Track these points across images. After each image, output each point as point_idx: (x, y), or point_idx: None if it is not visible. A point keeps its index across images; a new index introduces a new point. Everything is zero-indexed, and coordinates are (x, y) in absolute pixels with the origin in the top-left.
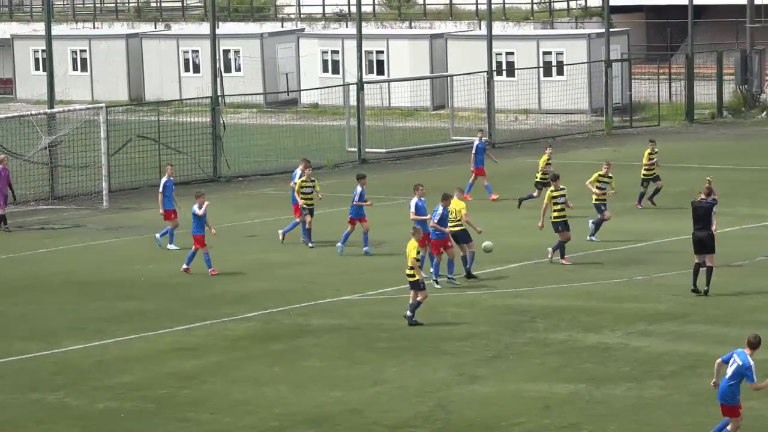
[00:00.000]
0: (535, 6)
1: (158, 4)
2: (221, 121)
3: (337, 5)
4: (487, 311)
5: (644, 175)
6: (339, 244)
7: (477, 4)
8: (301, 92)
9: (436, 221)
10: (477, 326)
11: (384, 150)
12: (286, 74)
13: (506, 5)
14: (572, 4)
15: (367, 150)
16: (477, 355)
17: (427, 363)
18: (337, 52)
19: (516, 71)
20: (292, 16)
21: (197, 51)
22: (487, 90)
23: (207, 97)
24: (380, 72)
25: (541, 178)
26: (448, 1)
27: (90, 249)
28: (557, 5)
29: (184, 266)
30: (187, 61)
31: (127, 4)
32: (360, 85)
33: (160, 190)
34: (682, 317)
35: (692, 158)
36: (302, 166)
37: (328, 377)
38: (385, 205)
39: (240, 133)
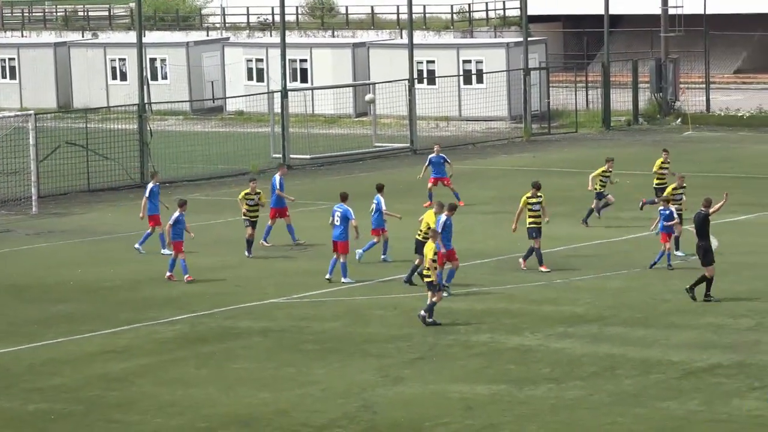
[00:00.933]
0: (455, 16)
1: (85, 14)
2: (148, 128)
3: (260, 14)
4: (411, 314)
5: (656, 184)
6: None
7: (398, 13)
8: (227, 100)
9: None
10: (401, 329)
11: (308, 156)
12: (212, 82)
13: (427, 15)
14: (491, 14)
15: (291, 156)
16: (401, 357)
17: (352, 365)
18: (261, 60)
19: (437, 79)
20: (217, 25)
21: (124, 59)
22: (409, 97)
23: (134, 105)
24: (304, 80)
25: (657, 184)
26: (369, 11)
27: (19, 254)
28: (476, 15)
29: (168, 273)
30: (114, 69)
31: (54, 14)
32: (284, 92)
33: (146, 195)
34: (601, 320)
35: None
36: (281, 171)
37: (256, 379)
38: (309, 210)
39: (167, 139)
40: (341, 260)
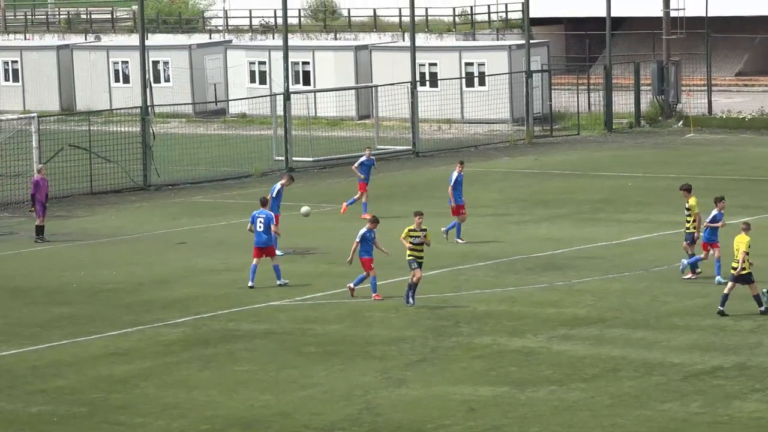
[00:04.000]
0: (457, 18)
1: (88, 16)
2: (151, 131)
3: (263, 17)
4: (413, 316)
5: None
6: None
7: (400, 16)
8: (229, 102)
9: (358, 241)
10: (403, 331)
11: (310, 159)
12: (214, 85)
13: (429, 17)
14: (493, 17)
15: (294, 159)
16: (403, 359)
17: (354, 367)
18: (264, 63)
19: (439, 81)
20: (220, 28)
21: (127, 62)
22: (411, 100)
23: (137, 107)
24: (306, 82)
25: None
26: (372, 14)
27: (23, 256)
28: (479, 17)
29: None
30: (117, 71)
31: (57, 16)
32: (287, 95)
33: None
34: (602, 322)
35: (611, 167)
36: (285, 179)
37: (258, 381)
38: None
39: (169, 142)
40: (273, 263)
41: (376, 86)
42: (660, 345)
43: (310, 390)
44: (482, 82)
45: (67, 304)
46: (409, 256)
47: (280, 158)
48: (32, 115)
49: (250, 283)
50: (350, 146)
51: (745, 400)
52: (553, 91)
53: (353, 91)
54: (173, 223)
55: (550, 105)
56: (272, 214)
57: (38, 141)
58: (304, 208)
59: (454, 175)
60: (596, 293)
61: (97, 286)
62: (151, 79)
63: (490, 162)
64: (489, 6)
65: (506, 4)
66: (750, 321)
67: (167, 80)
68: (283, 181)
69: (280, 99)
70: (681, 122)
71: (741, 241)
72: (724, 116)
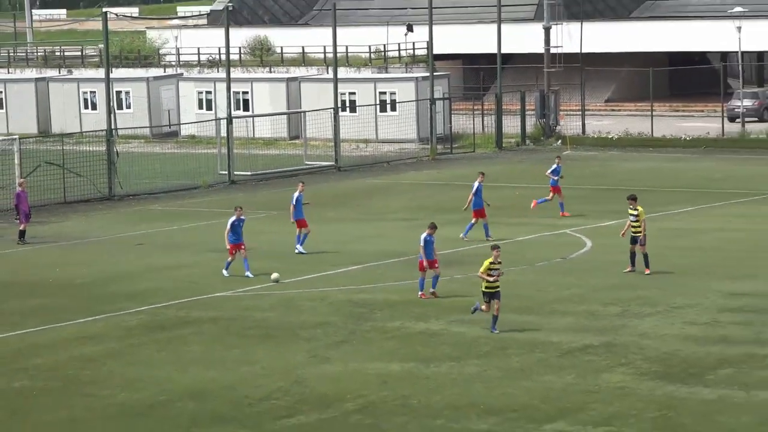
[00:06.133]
0: (372, 54)
1: (62, 54)
2: (115, 150)
3: (210, 54)
4: (336, 304)
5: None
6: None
7: (325, 52)
8: (181, 126)
9: (422, 245)
10: (327, 317)
11: (249, 173)
12: (168, 111)
13: (349, 54)
14: (402, 53)
15: (235, 173)
16: (327, 341)
17: (287, 347)
18: (210, 92)
19: (357, 108)
20: (173, 63)
21: (94, 92)
22: (334, 123)
23: (103, 130)
24: (246, 109)
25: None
26: (301, 51)
27: (6, 256)
28: (390, 54)
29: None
30: (86, 100)
31: (35, 54)
32: (229, 119)
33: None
34: None
35: (502, 179)
36: (237, 213)
37: (206, 360)
38: (249, 219)
39: (130, 159)
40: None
41: (305, 111)
42: (542, 327)
43: (249, 367)
44: (393, 108)
45: (44, 296)
46: (486, 288)
47: (223, 173)
48: (14, 137)
49: (226, 273)
50: (283, 162)
51: (611, 372)
52: (452, 115)
53: (285, 115)
54: (133, 228)
55: (450, 127)
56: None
57: (19, 159)
58: (274, 275)
59: (476, 184)
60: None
61: (70, 280)
62: (115, 106)
63: (399, 175)
64: (399, 44)
65: (413, 43)
66: (616, 307)
67: (128, 107)
68: (237, 214)
69: (223, 123)
70: (559, 141)
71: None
72: (596, 136)
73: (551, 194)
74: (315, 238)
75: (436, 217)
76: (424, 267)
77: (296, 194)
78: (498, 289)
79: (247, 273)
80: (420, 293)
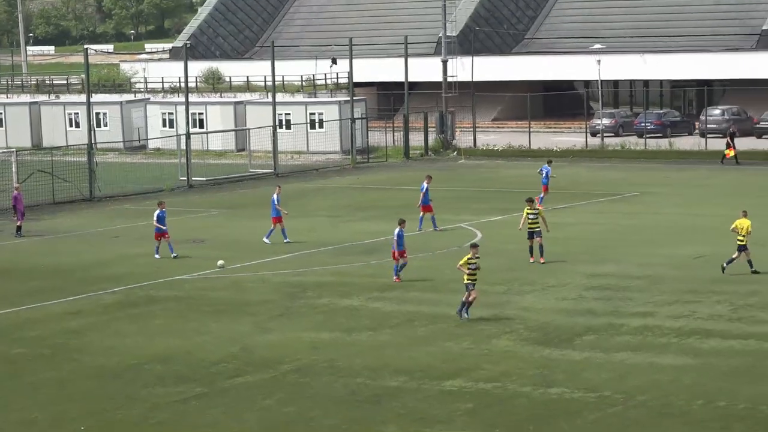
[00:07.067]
0: (303, 82)
1: (51, 82)
2: (94, 160)
3: (172, 82)
4: (274, 285)
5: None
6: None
7: (265, 81)
8: (148, 140)
9: (395, 238)
10: (268, 295)
11: (205, 178)
12: (138, 128)
13: (285, 82)
14: (328, 81)
15: (193, 179)
16: (268, 315)
17: (236, 320)
18: (172, 113)
19: (292, 125)
20: (142, 90)
21: (78, 113)
22: (273, 138)
23: (84, 144)
24: (201, 126)
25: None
26: (246, 79)
27: (5, 247)
28: (318, 82)
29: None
30: (71, 120)
31: (29, 82)
32: (188, 135)
33: (155, 221)
34: (403, 288)
35: (409, 183)
36: (160, 207)
37: (170, 331)
38: (204, 216)
39: (107, 168)
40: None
41: (249, 129)
42: (443, 303)
43: (205, 336)
44: (321, 126)
45: (37, 280)
46: (467, 280)
47: (183, 178)
48: (12, 150)
49: (157, 255)
50: (232, 170)
51: (499, 339)
52: (369, 131)
53: (233, 132)
54: (110, 223)
55: (367, 141)
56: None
57: (16, 167)
58: (220, 262)
59: (424, 185)
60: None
61: (58, 266)
62: (94, 125)
63: (326, 180)
64: (325, 74)
65: (337, 73)
66: (502, 286)
67: (105, 125)
68: (160, 207)
69: (183, 138)
70: (455, 152)
71: (743, 224)
72: (484, 148)
73: (544, 193)
74: (257, 231)
75: (357, 214)
76: (396, 256)
77: (274, 196)
78: (475, 280)
79: (173, 254)
80: (395, 278)
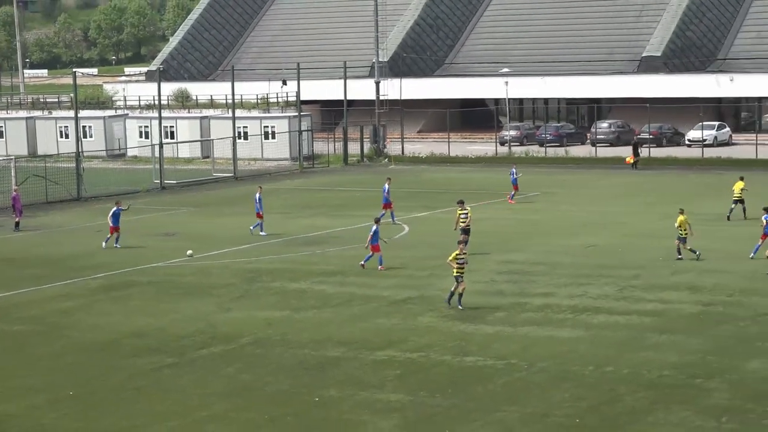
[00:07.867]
0: (258, 100)
1: (44, 100)
2: (81, 166)
3: (147, 100)
4: (234, 271)
5: (735, 197)
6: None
7: (226, 99)
8: (128, 149)
9: (371, 235)
10: (229, 279)
11: (175, 181)
12: (119, 139)
13: (243, 100)
14: (279, 100)
15: (165, 181)
16: (230, 296)
17: (201, 301)
18: (147, 126)
19: (249, 136)
20: (122, 106)
21: (67, 126)
22: (233, 147)
23: (73, 152)
24: (172, 137)
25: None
26: (210, 98)
27: (6, 240)
28: (271, 100)
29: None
30: (61, 132)
31: (26, 100)
32: (161, 145)
33: (110, 216)
34: (343, 273)
35: (347, 185)
36: (117, 205)
37: (145, 310)
38: (175, 213)
39: (93, 173)
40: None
41: (213, 139)
42: (376, 286)
43: (175, 315)
44: (273, 137)
45: (33, 268)
46: (456, 273)
47: (157, 181)
48: (11, 157)
49: (104, 245)
50: (198, 174)
51: (424, 316)
52: (314, 141)
53: (199, 142)
54: (95, 220)
55: (312, 149)
56: (121, 210)
57: (15, 172)
58: (189, 251)
59: (385, 186)
60: (339, 257)
61: (51, 256)
62: (81, 136)
63: (278, 183)
64: (277, 93)
65: (287, 93)
66: (426, 271)
67: (91, 137)
68: (118, 206)
69: (157, 147)
70: (387, 159)
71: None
72: (411, 156)
73: (514, 191)
74: (221, 226)
75: (305, 211)
76: (371, 249)
77: (257, 195)
78: (463, 274)
79: (116, 245)
80: (380, 267)
